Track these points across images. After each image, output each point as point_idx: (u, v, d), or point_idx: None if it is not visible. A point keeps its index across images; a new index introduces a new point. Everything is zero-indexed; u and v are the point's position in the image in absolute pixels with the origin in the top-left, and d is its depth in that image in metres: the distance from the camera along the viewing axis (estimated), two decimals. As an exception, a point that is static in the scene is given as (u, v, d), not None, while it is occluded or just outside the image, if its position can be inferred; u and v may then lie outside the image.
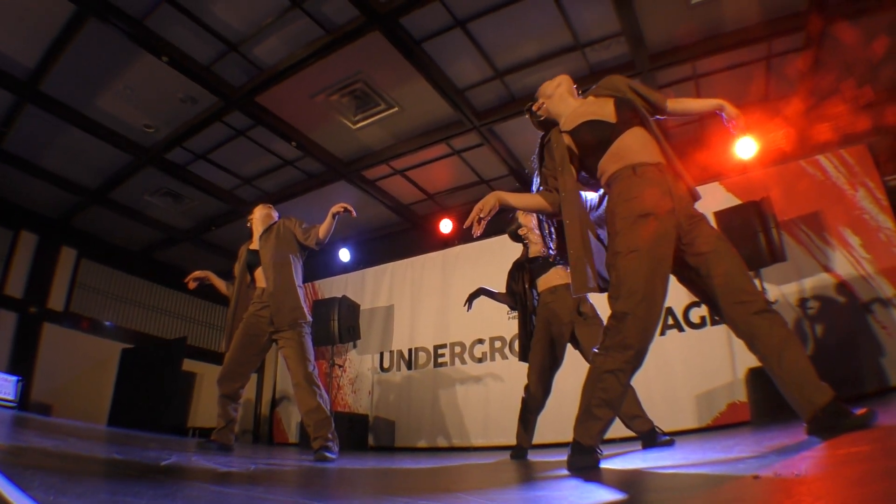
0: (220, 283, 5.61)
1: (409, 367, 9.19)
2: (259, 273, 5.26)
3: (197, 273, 5.49)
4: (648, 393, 7.01)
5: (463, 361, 8.62)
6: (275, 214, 5.67)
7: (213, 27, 6.33)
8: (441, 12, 6.15)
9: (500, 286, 5.82)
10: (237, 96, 7.21)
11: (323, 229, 5.25)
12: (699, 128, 7.90)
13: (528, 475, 2.88)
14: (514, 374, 8.10)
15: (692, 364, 6.86)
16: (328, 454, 4.65)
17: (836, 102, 6.97)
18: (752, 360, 6.25)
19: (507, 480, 2.75)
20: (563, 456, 2.80)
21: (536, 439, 5.43)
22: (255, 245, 5.42)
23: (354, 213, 5.11)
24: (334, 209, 5.10)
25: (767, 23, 6.15)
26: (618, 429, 7.06)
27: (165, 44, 6.44)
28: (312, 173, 9.17)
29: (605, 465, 2.80)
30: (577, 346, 5.16)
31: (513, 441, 5.32)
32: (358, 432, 8.32)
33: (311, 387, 4.87)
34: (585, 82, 6.89)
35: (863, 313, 6.11)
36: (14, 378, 8.48)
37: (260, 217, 5.56)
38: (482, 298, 5.86)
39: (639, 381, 7.31)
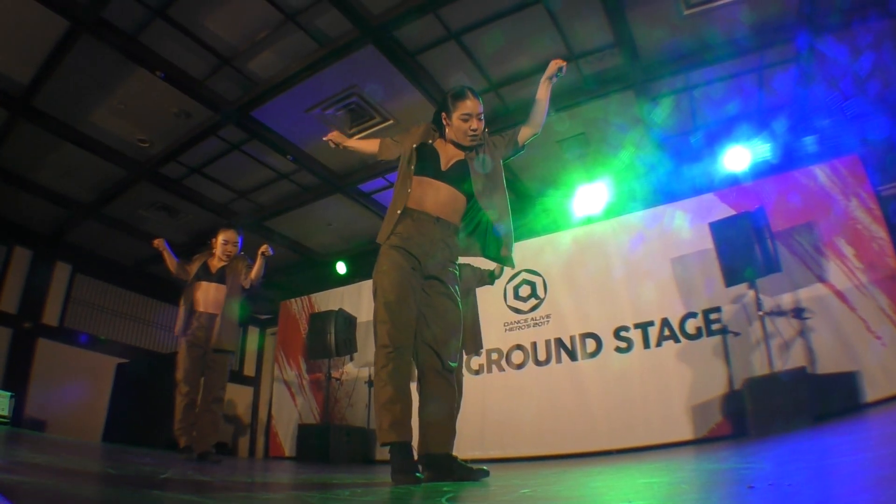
0: (170, 261, 6.22)
1: (406, 380, 9.16)
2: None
3: (157, 243, 6.16)
4: (644, 404, 7.02)
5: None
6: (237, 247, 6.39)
7: (206, 42, 6.34)
8: (435, 25, 6.17)
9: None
10: (231, 110, 7.22)
11: (254, 272, 6.16)
12: (691, 138, 7.91)
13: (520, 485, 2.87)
14: (511, 386, 8.10)
15: (688, 375, 6.86)
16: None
17: (826, 114, 6.99)
18: (749, 371, 6.28)
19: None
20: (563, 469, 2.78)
21: (530, 451, 5.40)
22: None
23: (272, 252, 6.07)
24: (262, 250, 6.03)
25: (757, 34, 6.17)
26: (612, 440, 7.05)
27: (159, 59, 6.46)
28: (308, 186, 9.16)
29: (600, 476, 2.79)
30: None
31: (509, 454, 5.30)
32: (354, 445, 8.30)
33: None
34: (580, 94, 6.94)
35: (857, 323, 6.12)
36: (7, 394, 8.44)
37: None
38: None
39: (635, 393, 7.35)
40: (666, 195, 7.84)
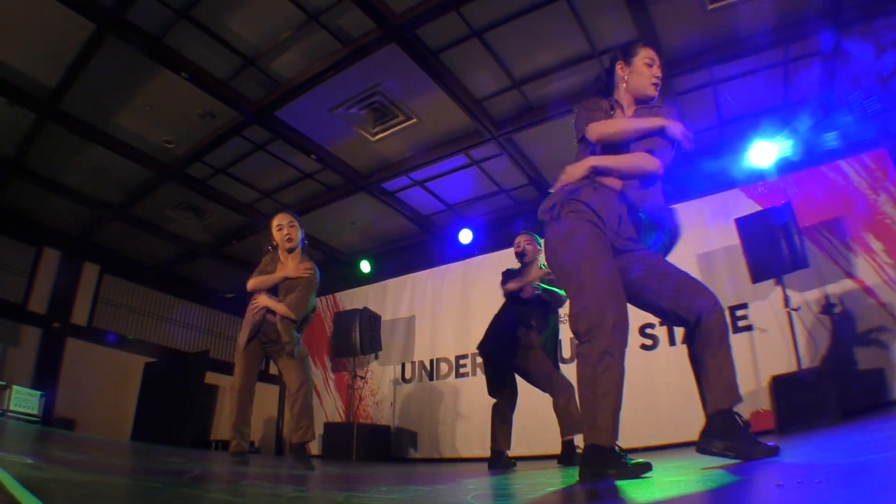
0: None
1: (431, 378, 9.18)
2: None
3: None
4: (670, 401, 6.96)
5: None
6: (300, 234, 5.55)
7: (230, 42, 6.39)
8: (457, 23, 6.17)
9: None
10: (256, 110, 7.26)
11: None
12: (716, 134, 7.84)
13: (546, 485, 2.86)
14: (536, 383, 8.06)
15: (715, 372, 6.79)
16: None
17: (849, 110, 6.89)
18: (776, 368, 6.21)
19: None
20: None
21: (557, 449, 5.37)
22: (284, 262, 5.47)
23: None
24: None
25: (781, 29, 6.10)
26: (637, 438, 7.01)
27: (184, 60, 6.52)
28: (332, 186, 9.20)
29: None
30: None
31: (536, 451, 5.28)
32: (379, 443, 8.32)
33: None
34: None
35: (886, 319, 6.04)
36: (38, 393, 8.55)
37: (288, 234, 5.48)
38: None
39: (660, 390, 7.28)
40: (691, 191, 7.77)
